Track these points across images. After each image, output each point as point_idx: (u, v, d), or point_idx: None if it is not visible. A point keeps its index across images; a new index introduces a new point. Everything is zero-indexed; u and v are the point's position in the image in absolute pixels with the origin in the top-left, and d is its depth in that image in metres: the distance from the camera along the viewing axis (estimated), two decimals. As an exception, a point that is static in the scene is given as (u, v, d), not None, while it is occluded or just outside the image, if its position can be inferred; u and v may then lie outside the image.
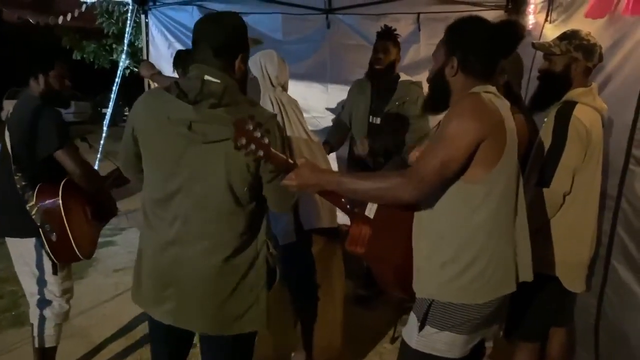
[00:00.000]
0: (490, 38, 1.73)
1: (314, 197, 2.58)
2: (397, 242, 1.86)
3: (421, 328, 1.79)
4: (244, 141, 1.61)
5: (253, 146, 1.63)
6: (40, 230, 2.51)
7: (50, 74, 2.61)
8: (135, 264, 1.94)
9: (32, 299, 2.72)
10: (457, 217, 1.71)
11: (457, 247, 1.72)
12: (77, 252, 2.57)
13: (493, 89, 1.74)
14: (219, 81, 1.72)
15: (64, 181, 2.53)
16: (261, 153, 1.65)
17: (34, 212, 2.48)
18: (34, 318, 2.73)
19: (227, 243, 1.78)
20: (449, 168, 1.63)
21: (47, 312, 2.70)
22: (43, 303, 2.71)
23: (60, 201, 2.49)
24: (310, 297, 2.77)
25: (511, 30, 1.75)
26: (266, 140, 1.64)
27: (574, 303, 2.62)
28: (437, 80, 1.83)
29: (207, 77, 1.72)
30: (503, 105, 1.72)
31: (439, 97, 1.84)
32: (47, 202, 2.50)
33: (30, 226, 2.52)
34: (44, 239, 2.52)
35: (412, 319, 1.85)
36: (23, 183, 2.51)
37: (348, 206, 1.89)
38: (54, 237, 2.50)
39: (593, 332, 2.68)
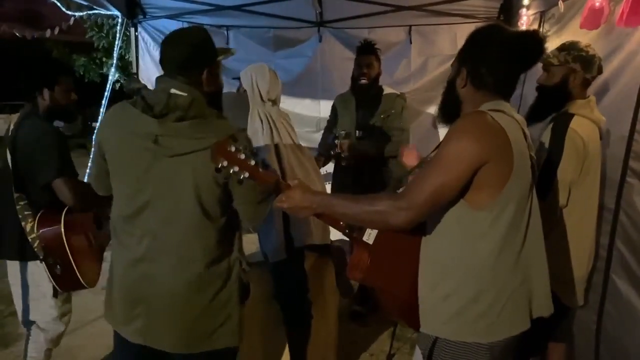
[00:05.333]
0: (506, 50, 1.59)
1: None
2: (399, 271, 1.74)
3: None
4: (225, 163, 1.56)
5: (236, 168, 1.58)
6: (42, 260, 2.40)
7: (55, 89, 2.51)
8: (107, 282, 1.89)
9: (25, 321, 2.60)
10: (460, 245, 1.60)
11: (459, 278, 1.60)
12: (82, 282, 2.48)
13: (505, 106, 1.62)
14: (185, 94, 1.68)
15: (65, 209, 2.41)
16: (246, 174, 1.60)
17: (35, 244, 2.38)
18: (27, 342, 2.61)
19: (198, 259, 1.74)
20: (443, 194, 1.52)
21: (40, 337, 2.60)
22: (36, 327, 2.60)
23: (63, 231, 2.38)
24: (303, 315, 2.70)
25: (530, 42, 1.60)
26: (252, 162, 1.60)
27: (572, 318, 2.57)
28: (448, 91, 1.73)
29: (173, 91, 1.69)
30: (512, 125, 1.58)
31: (449, 108, 1.74)
32: (48, 232, 2.39)
33: (31, 250, 2.40)
34: (47, 270, 2.41)
35: (418, 354, 1.75)
36: (25, 213, 2.39)
37: (347, 230, 1.78)
38: (58, 270, 2.40)
39: (593, 348, 2.63)
